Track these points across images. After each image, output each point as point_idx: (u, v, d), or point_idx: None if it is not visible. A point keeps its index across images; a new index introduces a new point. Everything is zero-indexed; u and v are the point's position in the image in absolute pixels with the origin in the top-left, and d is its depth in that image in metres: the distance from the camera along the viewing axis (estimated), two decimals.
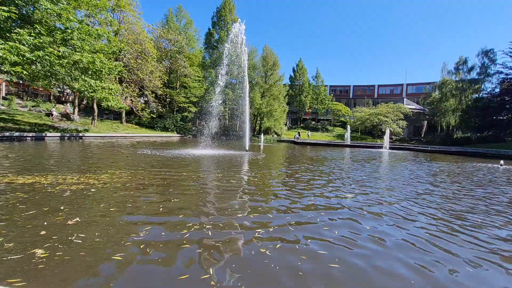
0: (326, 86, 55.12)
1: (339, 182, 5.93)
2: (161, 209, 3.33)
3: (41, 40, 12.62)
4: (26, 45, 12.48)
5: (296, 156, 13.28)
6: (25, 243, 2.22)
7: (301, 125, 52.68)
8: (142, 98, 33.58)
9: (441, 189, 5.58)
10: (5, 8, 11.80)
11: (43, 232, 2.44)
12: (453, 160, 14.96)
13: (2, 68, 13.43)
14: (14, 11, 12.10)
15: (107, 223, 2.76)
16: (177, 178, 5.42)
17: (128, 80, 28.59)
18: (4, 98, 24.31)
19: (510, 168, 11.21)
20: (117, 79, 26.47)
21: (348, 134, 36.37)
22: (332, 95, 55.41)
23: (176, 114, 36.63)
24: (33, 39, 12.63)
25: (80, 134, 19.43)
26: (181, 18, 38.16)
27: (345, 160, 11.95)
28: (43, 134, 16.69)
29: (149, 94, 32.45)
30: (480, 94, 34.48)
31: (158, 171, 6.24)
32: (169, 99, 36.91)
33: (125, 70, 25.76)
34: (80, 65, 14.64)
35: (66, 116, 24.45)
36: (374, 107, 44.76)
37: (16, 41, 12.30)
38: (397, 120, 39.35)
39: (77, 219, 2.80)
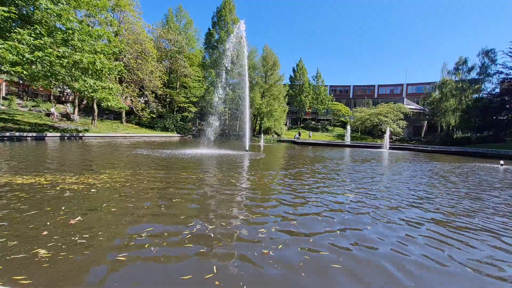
0: (326, 86, 55.12)
1: (339, 181, 5.93)
2: (162, 208, 3.33)
3: (42, 42, 12.61)
4: (26, 45, 12.47)
5: (296, 156, 13.28)
6: (28, 243, 2.22)
7: (301, 125, 52.68)
8: (142, 98, 33.57)
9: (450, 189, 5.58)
10: (5, 8, 11.80)
11: (45, 232, 2.44)
12: (454, 160, 14.96)
13: (2, 68, 13.43)
14: (14, 11, 12.09)
15: (109, 223, 2.76)
16: (178, 178, 5.42)
17: (128, 80, 28.59)
18: (4, 98, 24.31)
19: (510, 168, 11.21)
20: (117, 79, 26.47)
21: (348, 134, 36.37)
22: (332, 95, 55.44)
23: (176, 114, 36.63)
24: (33, 40, 12.62)
25: (80, 134, 19.42)
26: (181, 18, 38.17)
27: (345, 160, 11.95)
28: (43, 134, 16.69)
29: (149, 94, 32.45)
30: (480, 94, 34.47)
31: (158, 171, 6.23)
32: (169, 99, 36.92)
33: (125, 70, 25.73)
34: (80, 65, 14.63)
35: (66, 116, 24.44)
36: (374, 107, 44.76)
37: (16, 41, 12.29)
38: (397, 120, 39.35)
39: (79, 218, 2.80)
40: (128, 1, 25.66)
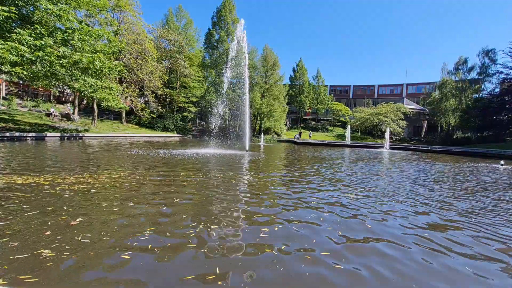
0: (326, 86, 55.13)
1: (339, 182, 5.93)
2: (164, 208, 3.33)
3: (42, 42, 12.60)
4: (26, 46, 12.46)
5: (296, 156, 13.29)
6: (31, 243, 2.22)
7: (301, 125, 52.69)
8: (142, 98, 33.57)
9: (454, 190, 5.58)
10: (5, 8, 11.78)
11: (48, 232, 2.44)
12: (454, 160, 14.97)
13: (2, 68, 13.42)
14: (14, 11, 12.07)
15: (111, 223, 2.76)
16: (178, 177, 5.42)
17: (128, 80, 28.58)
18: (4, 98, 24.30)
19: (510, 168, 11.22)
20: (117, 79, 26.46)
21: (348, 134, 36.38)
22: (332, 95, 55.45)
23: (176, 114, 36.62)
24: (33, 40, 12.61)
25: (80, 134, 19.41)
26: (181, 18, 38.17)
27: (346, 160, 11.95)
28: (43, 134, 16.68)
29: (149, 94, 32.44)
30: (480, 94, 34.50)
31: (158, 171, 6.23)
32: (169, 99, 36.91)
33: (125, 70, 25.74)
34: (80, 65, 14.62)
35: (66, 116, 24.43)
36: (374, 107, 44.78)
37: (16, 41, 12.28)
38: (397, 120, 39.38)
39: (80, 219, 2.80)
40: (128, 1, 25.64)
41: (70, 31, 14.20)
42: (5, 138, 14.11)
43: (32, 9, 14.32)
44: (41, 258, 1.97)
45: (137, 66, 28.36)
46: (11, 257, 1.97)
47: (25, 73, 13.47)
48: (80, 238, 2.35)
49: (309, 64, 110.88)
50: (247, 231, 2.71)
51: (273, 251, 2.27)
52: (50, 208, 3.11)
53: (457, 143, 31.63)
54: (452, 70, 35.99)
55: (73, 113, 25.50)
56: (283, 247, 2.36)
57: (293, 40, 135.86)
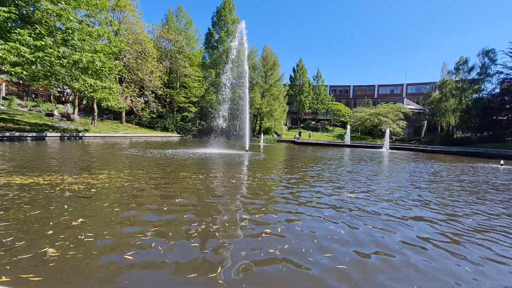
0: (326, 86, 55.10)
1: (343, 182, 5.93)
2: (165, 208, 3.33)
3: (43, 42, 12.58)
4: (26, 46, 12.44)
5: (296, 156, 13.28)
6: (34, 242, 2.23)
7: (301, 125, 52.69)
8: (142, 98, 33.55)
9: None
10: (5, 9, 11.76)
11: (50, 232, 2.44)
12: (455, 160, 14.97)
13: (2, 68, 13.40)
14: (14, 11, 12.05)
15: (113, 223, 2.76)
16: (178, 177, 5.41)
17: (128, 80, 28.57)
18: (4, 98, 24.28)
19: (510, 168, 11.22)
20: (117, 79, 26.45)
21: (348, 134, 36.36)
22: (332, 95, 55.44)
23: (176, 114, 36.61)
24: (33, 40, 12.59)
25: (80, 134, 19.40)
26: (181, 18, 38.13)
27: (346, 160, 11.95)
28: (43, 134, 16.66)
29: (149, 94, 32.42)
30: (480, 94, 34.46)
31: (158, 171, 6.22)
32: (169, 99, 36.89)
33: (125, 70, 25.73)
34: (80, 65, 14.60)
35: (66, 116, 24.40)
36: (374, 107, 44.77)
37: (16, 42, 12.26)
38: (397, 120, 39.37)
39: (81, 219, 2.79)
40: (128, 1, 25.64)
41: (70, 31, 14.18)
42: (5, 138, 14.09)
43: (32, 9, 14.31)
44: (45, 258, 1.98)
45: (137, 66, 28.35)
46: (14, 258, 1.97)
47: (25, 73, 13.46)
48: (83, 237, 2.36)
49: (309, 64, 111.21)
50: (249, 231, 2.71)
51: (276, 251, 2.26)
52: (52, 208, 3.11)
53: (457, 143, 31.61)
54: (452, 70, 35.94)
55: (73, 113, 25.47)
56: (286, 247, 2.35)
57: (293, 40, 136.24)
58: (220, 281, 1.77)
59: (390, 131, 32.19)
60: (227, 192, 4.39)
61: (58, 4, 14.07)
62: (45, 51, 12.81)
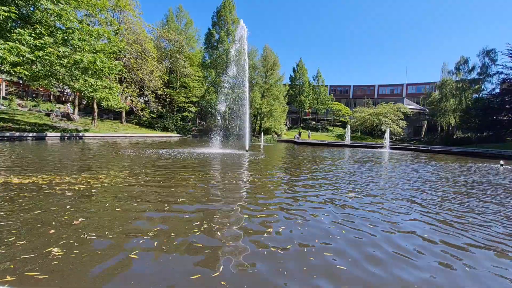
0: (326, 86, 55.08)
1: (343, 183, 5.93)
2: (166, 208, 3.33)
3: (43, 41, 12.57)
4: (26, 45, 12.43)
5: (296, 156, 13.28)
6: (37, 242, 2.23)
7: (301, 125, 52.69)
8: (142, 98, 33.56)
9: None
10: (5, 8, 11.75)
11: (52, 231, 2.44)
12: (455, 160, 14.97)
13: (2, 68, 13.39)
14: (14, 11, 12.04)
15: (115, 222, 2.76)
16: (179, 177, 5.41)
17: (128, 80, 28.57)
18: (4, 98, 24.27)
19: (510, 168, 11.23)
20: (117, 79, 26.45)
21: (348, 134, 36.36)
22: (332, 95, 55.43)
23: (176, 114, 36.61)
24: (33, 40, 12.58)
25: (80, 134, 19.40)
26: (181, 18, 38.13)
27: (347, 161, 11.95)
28: (43, 134, 16.66)
29: (149, 94, 32.43)
30: (480, 94, 34.47)
31: (158, 170, 6.22)
32: (169, 99, 36.89)
33: (125, 70, 25.74)
34: (80, 65, 14.60)
35: (66, 116, 24.40)
36: (374, 107, 44.77)
37: (16, 41, 12.25)
38: (397, 120, 39.38)
39: (81, 219, 2.79)
40: (128, 1, 25.64)
41: (70, 31, 14.18)
42: (5, 138, 14.09)
43: (32, 9, 14.30)
44: (49, 257, 1.99)
45: (137, 66, 28.35)
46: (17, 258, 1.97)
47: (25, 73, 13.45)
48: (86, 236, 2.36)
49: (309, 64, 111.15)
50: (249, 232, 2.71)
51: (279, 251, 2.27)
52: (52, 208, 3.11)
53: (457, 143, 31.62)
54: (452, 70, 35.95)
55: (73, 113, 25.46)
56: (289, 246, 2.36)
57: (293, 40, 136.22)
58: (223, 283, 1.77)
59: (390, 131, 32.21)
60: (227, 192, 4.39)
61: (58, 4, 14.06)
62: (45, 50, 12.80)
